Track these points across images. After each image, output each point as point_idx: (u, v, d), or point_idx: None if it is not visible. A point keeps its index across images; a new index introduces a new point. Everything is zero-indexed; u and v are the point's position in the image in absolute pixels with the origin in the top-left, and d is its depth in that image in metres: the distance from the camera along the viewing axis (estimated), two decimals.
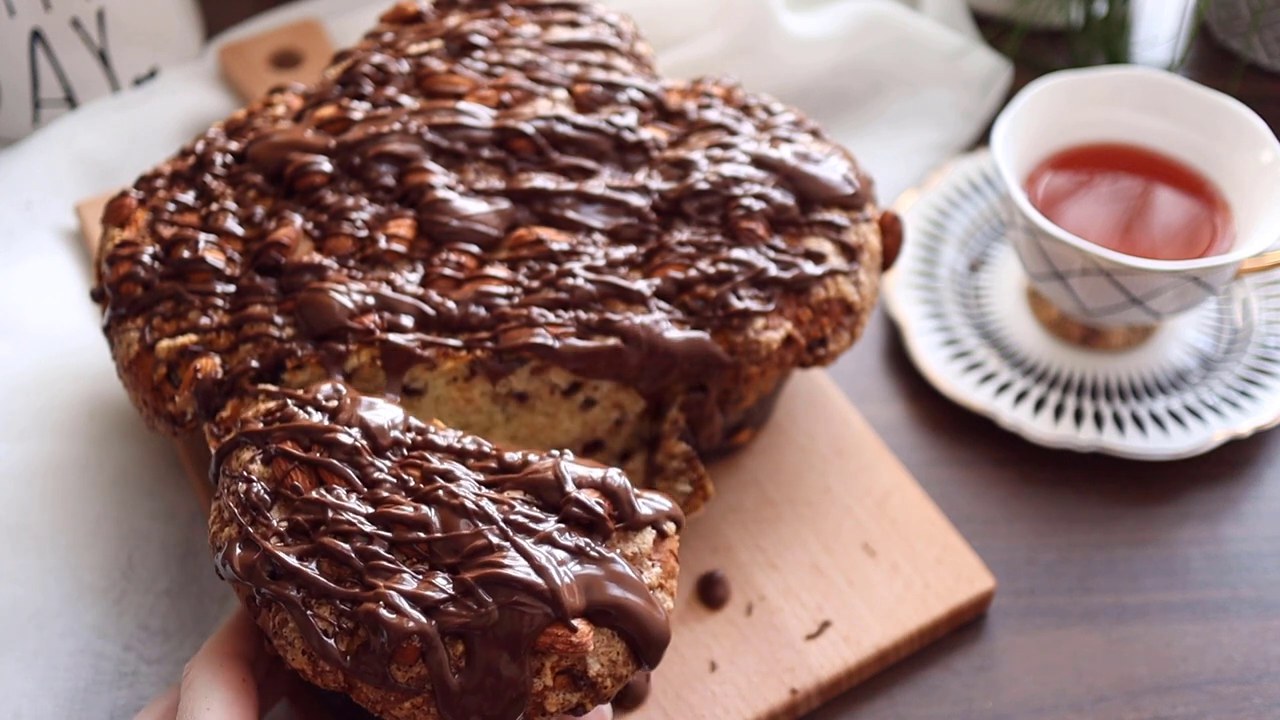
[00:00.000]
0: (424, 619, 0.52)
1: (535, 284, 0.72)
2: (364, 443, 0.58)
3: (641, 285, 0.72)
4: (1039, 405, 0.86)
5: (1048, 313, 0.91)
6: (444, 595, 0.53)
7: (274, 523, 0.56)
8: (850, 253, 0.76)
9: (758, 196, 0.76)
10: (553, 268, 0.72)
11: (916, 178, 1.02)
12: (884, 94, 1.08)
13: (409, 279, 0.72)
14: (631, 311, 0.72)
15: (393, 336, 0.69)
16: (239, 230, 0.74)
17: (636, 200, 0.76)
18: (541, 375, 0.71)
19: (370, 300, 0.70)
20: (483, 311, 0.71)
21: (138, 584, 0.78)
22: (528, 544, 0.55)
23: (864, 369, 0.91)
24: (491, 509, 0.56)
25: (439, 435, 0.61)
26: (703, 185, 0.76)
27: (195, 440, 0.83)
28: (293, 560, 0.54)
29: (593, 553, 0.56)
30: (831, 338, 0.75)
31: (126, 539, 0.79)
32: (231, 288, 0.71)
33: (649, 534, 0.59)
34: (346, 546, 0.54)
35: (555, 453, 0.60)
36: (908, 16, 1.09)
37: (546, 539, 0.56)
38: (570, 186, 0.76)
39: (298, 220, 0.74)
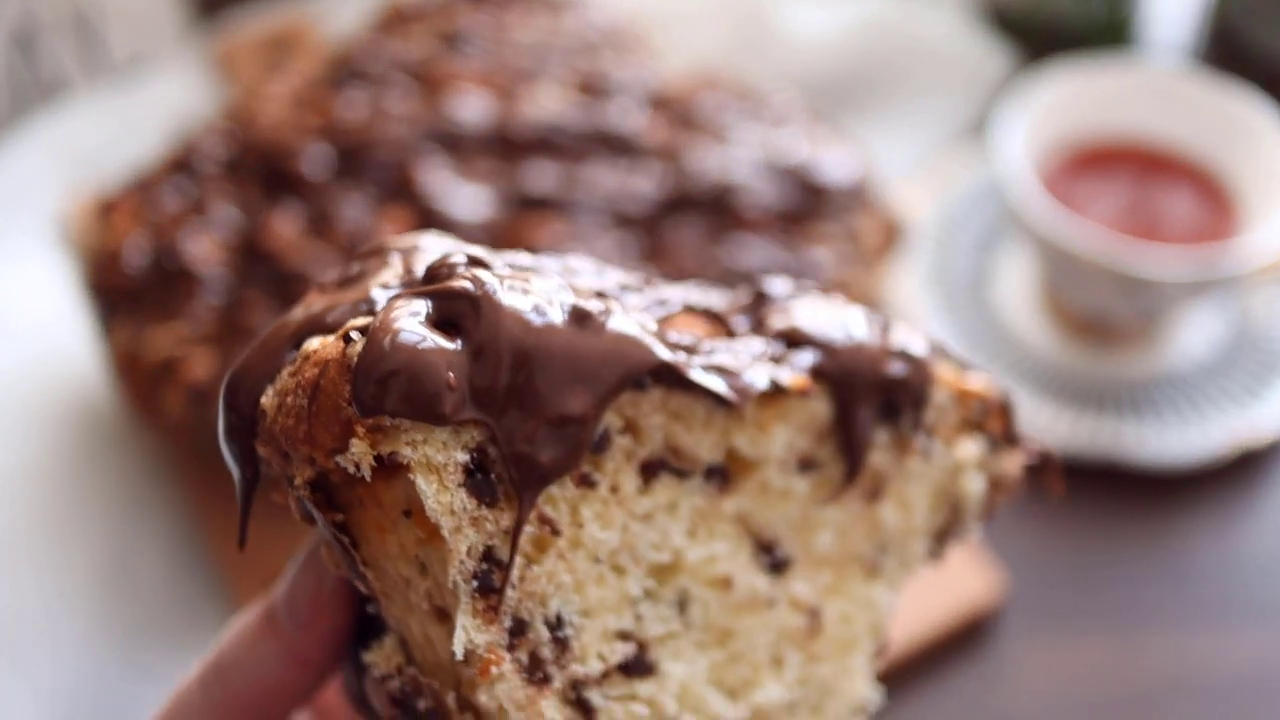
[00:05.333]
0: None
1: None
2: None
3: None
4: (1049, 409, 0.85)
5: (1057, 312, 0.90)
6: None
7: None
8: (853, 250, 0.75)
9: (759, 194, 0.74)
10: None
11: (921, 173, 1.01)
12: (890, 89, 1.07)
13: None
14: None
15: None
16: (232, 227, 0.72)
17: (636, 197, 0.74)
18: None
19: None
20: None
21: (127, 584, 0.76)
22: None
23: None
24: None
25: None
26: (703, 182, 0.75)
27: (184, 439, 0.82)
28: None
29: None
30: None
31: (115, 539, 0.78)
32: (224, 286, 0.70)
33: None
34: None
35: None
36: (915, 10, 1.08)
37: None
38: (569, 183, 0.75)
39: (292, 217, 0.73)
